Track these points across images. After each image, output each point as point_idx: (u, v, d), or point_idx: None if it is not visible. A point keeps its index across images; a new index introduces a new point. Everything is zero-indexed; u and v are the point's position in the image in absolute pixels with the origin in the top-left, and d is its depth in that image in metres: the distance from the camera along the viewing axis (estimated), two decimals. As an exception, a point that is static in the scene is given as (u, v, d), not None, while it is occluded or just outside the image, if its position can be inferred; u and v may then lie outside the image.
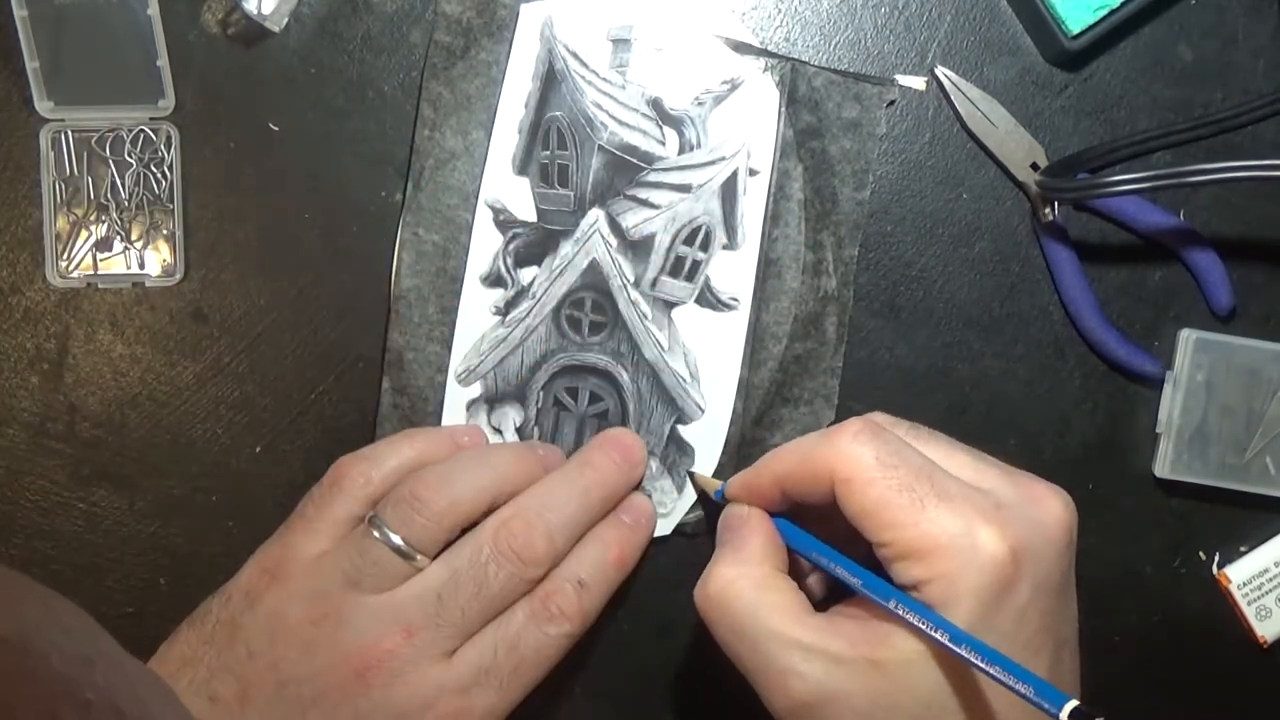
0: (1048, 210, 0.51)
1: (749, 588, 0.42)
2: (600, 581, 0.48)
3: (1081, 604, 0.53)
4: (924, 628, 0.38)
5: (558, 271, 0.51)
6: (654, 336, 0.51)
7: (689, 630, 0.52)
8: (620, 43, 0.51)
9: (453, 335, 0.51)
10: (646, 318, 0.51)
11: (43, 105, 0.50)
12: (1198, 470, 0.52)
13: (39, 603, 0.33)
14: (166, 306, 0.52)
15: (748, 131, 0.51)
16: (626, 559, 0.49)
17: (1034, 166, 0.51)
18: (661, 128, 0.51)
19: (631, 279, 0.51)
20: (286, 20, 0.51)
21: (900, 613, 0.39)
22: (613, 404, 0.52)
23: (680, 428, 0.52)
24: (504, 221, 0.51)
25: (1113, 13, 0.50)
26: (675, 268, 0.51)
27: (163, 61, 0.50)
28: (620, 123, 0.51)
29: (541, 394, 0.52)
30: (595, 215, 0.51)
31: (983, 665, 0.37)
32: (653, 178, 0.51)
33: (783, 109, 0.51)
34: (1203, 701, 0.54)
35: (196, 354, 0.52)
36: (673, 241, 0.51)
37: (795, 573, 0.45)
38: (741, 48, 0.51)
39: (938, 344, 0.52)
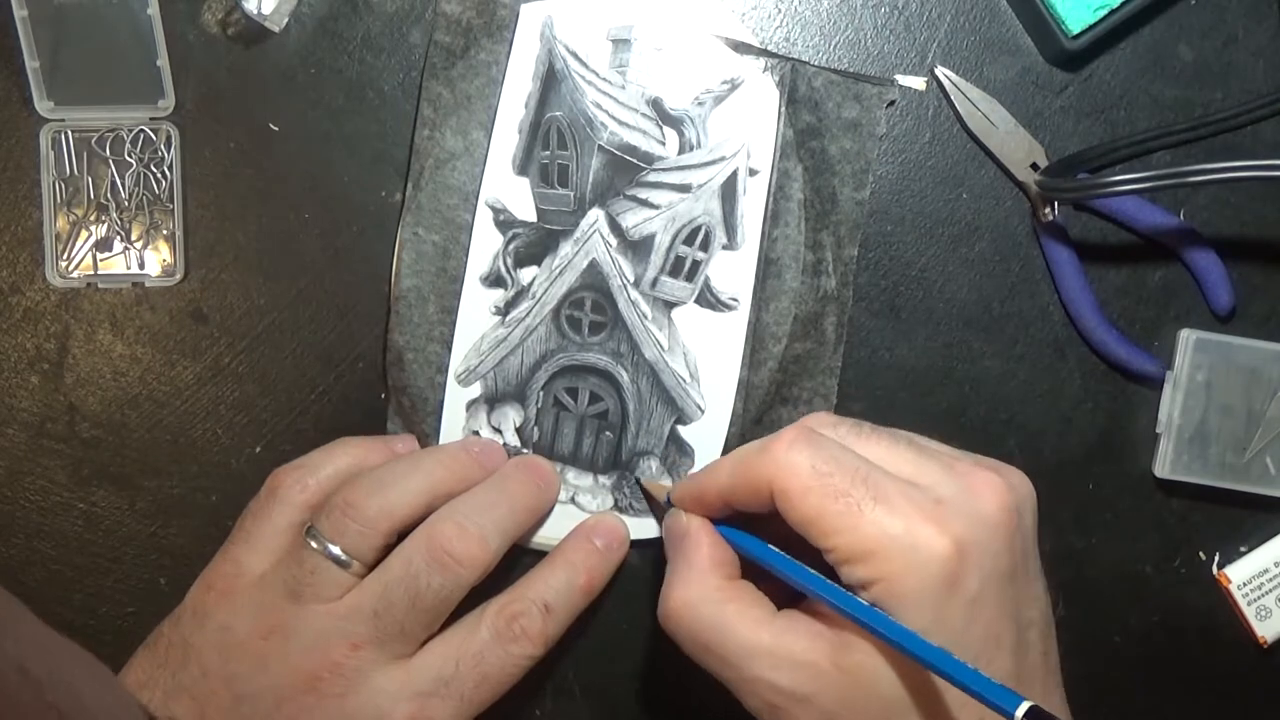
0: (1048, 210, 0.51)
1: (705, 602, 0.43)
2: (566, 607, 0.48)
3: (1082, 604, 0.53)
4: (874, 630, 0.39)
5: (558, 271, 0.51)
6: (654, 336, 0.51)
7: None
8: (620, 43, 0.51)
9: (453, 335, 0.51)
10: (646, 318, 0.51)
11: (43, 105, 0.50)
12: (1198, 470, 0.52)
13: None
14: (166, 306, 0.52)
15: (748, 131, 0.51)
16: (595, 585, 0.49)
17: (1034, 166, 0.51)
18: (661, 128, 0.51)
19: (631, 279, 0.51)
20: (286, 20, 0.51)
21: (851, 617, 0.39)
22: (612, 404, 0.52)
23: (680, 428, 0.52)
24: (504, 221, 0.51)
25: (1113, 13, 0.50)
26: (675, 268, 0.51)
27: (163, 61, 0.50)
28: (620, 123, 0.51)
29: (541, 394, 0.52)
30: (595, 215, 0.51)
31: (935, 668, 0.37)
32: (652, 178, 0.51)
33: (783, 109, 0.51)
34: (1203, 701, 0.54)
35: (196, 354, 0.52)
36: (673, 241, 0.51)
37: (754, 571, 0.45)
38: (741, 48, 0.51)
39: (938, 344, 0.52)
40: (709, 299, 0.51)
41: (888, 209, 0.52)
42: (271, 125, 0.51)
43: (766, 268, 0.51)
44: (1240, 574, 0.53)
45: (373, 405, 0.52)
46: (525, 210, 0.51)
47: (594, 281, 0.51)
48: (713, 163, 0.51)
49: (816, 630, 0.41)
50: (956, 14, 0.52)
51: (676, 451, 0.52)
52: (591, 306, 0.51)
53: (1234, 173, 0.46)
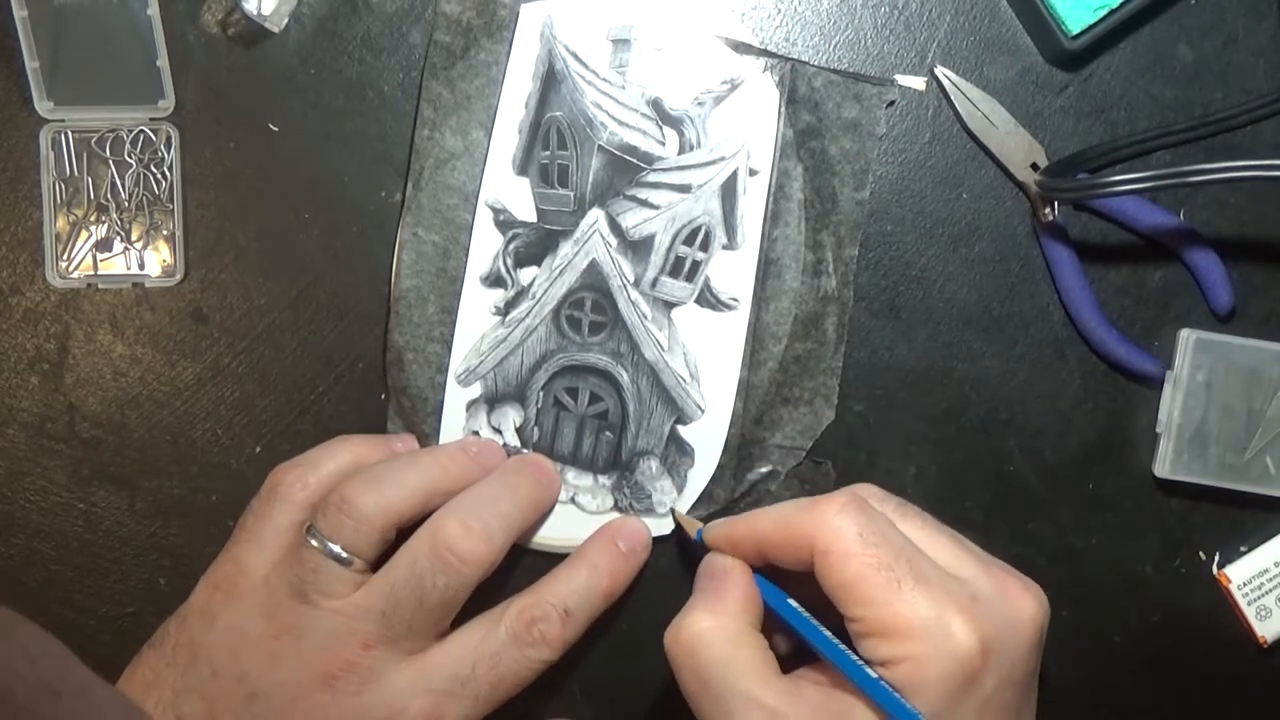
0: (1048, 210, 0.51)
1: (722, 641, 0.43)
2: (585, 611, 0.48)
3: (1082, 604, 0.53)
4: (883, 707, 0.39)
5: (558, 272, 0.51)
6: (654, 336, 0.51)
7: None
8: (620, 43, 0.51)
9: (453, 335, 0.51)
10: (646, 318, 0.51)
11: (43, 105, 0.50)
12: (1198, 470, 0.52)
13: (3, 632, 0.33)
14: (166, 306, 0.52)
15: (748, 131, 0.51)
16: (616, 589, 0.49)
17: (1034, 166, 0.51)
18: (661, 128, 0.51)
19: (631, 279, 0.51)
20: (286, 20, 0.51)
21: (867, 693, 0.40)
22: (612, 404, 0.52)
23: (680, 428, 0.52)
24: (504, 221, 0.51)
25: (1113, 13, 0.50)
26: (675, 268, 0.51)
27: (163, 61, 0.50)
28: (620, 123, 0.51)
29: (541, 394, 0.52)
30: (595, 215, 0.51)
31: None
32: (652, 178, 0.51)
33: (783, 109, 0.51)
34: (1203, 701, 0.54)
35: (196, 354, 0.52)
36: (673, 241, 0.51)
37: (764, 626, 0.45)
38: (741, 48, 0.51)
39: (938, 344, 0.52)
40: (709, 299, 0.51)
41: (888, 209, 0.52)
42: (271, 125, 0.51)
43: (766, 268, 0.51)
44: (1240, 574, 0.53)
45: (373, 405, 0.52)
46: (525, 210, 0.51)
47: (594, 281, 0.51)
48: (713, 163, 0.51)
49: (819, 697, 0.41)
50: (956, 14, 0.52)
51: (676, 451, 0.52)
52: (591, 306, 0.51)
53: (1234, 173, 0.46)
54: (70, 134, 0.51)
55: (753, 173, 0.51)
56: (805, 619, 0.43)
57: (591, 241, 0.51)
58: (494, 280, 0.51)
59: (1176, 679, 0.54)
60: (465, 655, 0.46)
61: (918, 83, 0.52)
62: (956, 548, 0.43)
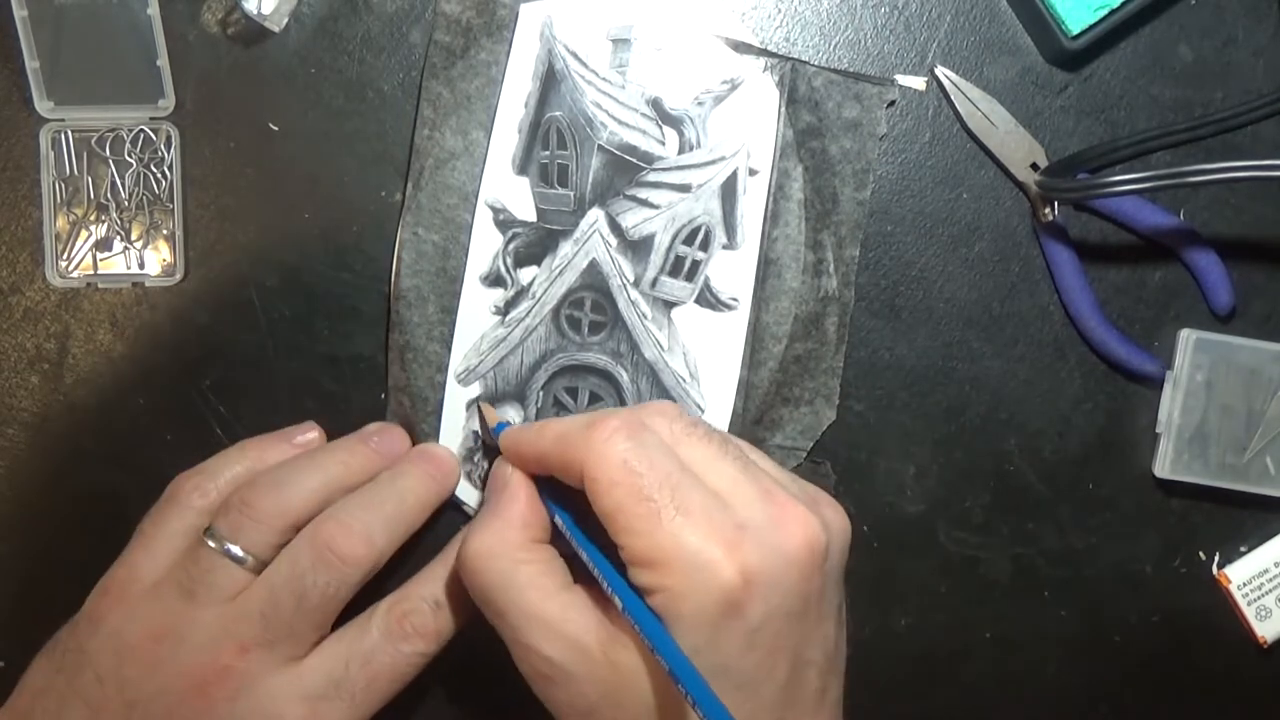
0: (1048, 210, 0.51)
1: (501, 558, 0.42)
2: (459, 603, 0.47)
3: (1082, 604, 0.53)
4: (641, 631, 0.38)
5: (557, 271, 0.51)
6: (654, 336, 0.51)
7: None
8: (620, 42, 0.51)
9: (453, 335, 0.51)
10: (646, 317, 0.51)
11: (43, 105, 0.50)
12: (1198, 470, 0.52)
13: None
14: (166, 306, 0.52)
15: (748, 131, 0.51)
16: None
17: (1034, 166, 0.51)
18: (661, 127, 0.51)
19: (631, 279, 0.51)
20: (286, 20, 0.51)
21: (628, 618, 0.39)
22: (612, 404, 0.52)
23: (680, 428, 0.51)
24: (504, 221, 0.51)
25: (1113, 13, 0.50)
26: (675, 267, 0.51)
27: (163, 61, 0.50)
28: (620, 122, 0.51)
29: (541, 394, 0.52)
30: (595, 215, 0.51)
31: (677, 680, 0.37)
32: (652, 178, 0.51)
33: (783, 109, 0.51)
34: (1203, 701, 0.54)
35: (196, 354, 0.52)
36: (672, 241, 0.51)
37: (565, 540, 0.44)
38: (741, 48, 0.51)
39: (938, 344, 0.52)
40: (709, 299, 0.51)
41: (888, 209, 0.52)
42: (271, 125, 0.51)
43: (766, 268, 0.51)
44: (1240, 574, 0.53)
45: (373, 405, 0.52)
46: (525, 210, 0.51)
47: (594, 281, 0.51)
48: (713, 162, 0.51)
49: (598, 616, 0.41)
50: (956, 14, 0.52)
51: (676, 451, 0.51)
52: (591, 306, 0.51)
53: (1234, 173, 0.46)
54: (70, 134, 0.51)
55: (753, 172, 0.51)
56: (580, 537, 0.42)
57: (591, 241, 0.51)
58: (494, 280, 0.51)
59: (1176, 679, 0.54)
60: (339, 656, 0.46)
61: (918, 83, 0.52)
62: (738, 472, 0.41)
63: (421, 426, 0.51)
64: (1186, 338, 0.51)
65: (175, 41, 0.50)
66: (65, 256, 0.51)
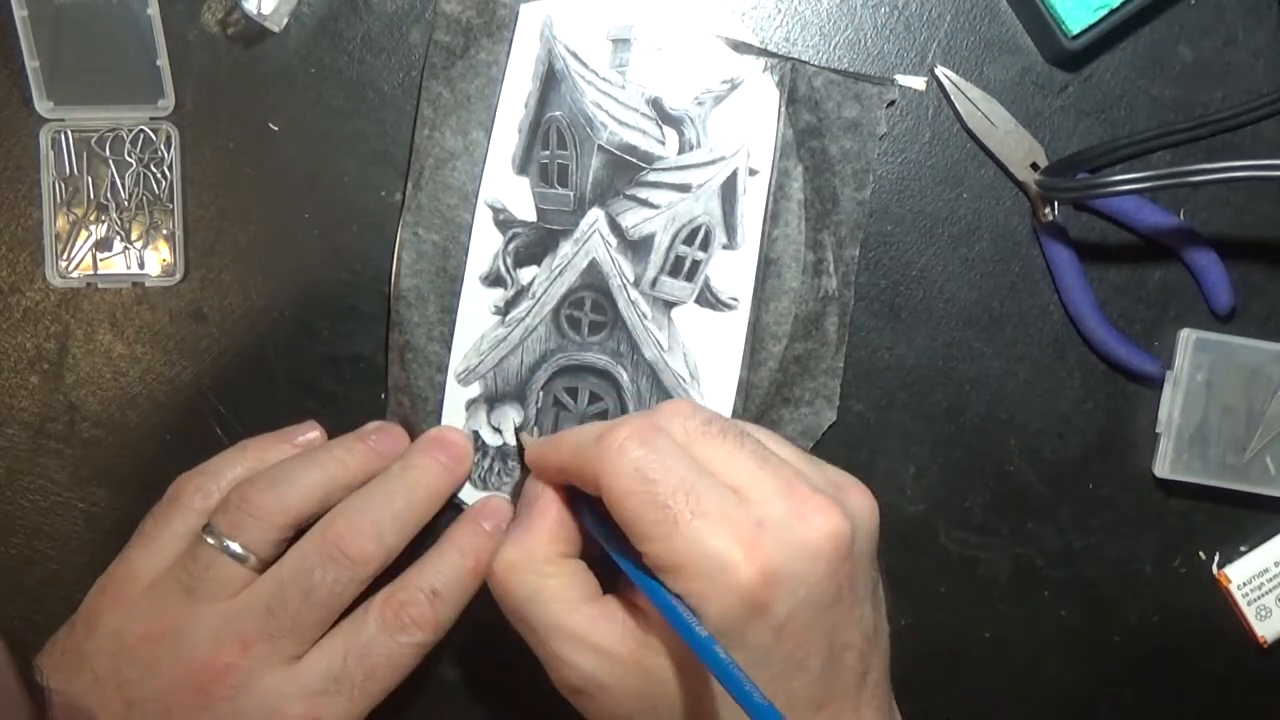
0: (1048, 210, 0.51)
1: (529, 572, 0.43)
2: (455, 591, 0.47)
3: (1082, 604, 0.53)
4: (674, 626, 0.38)
5: (557, 271, 0.51)
6: (654, 336, 0.51)
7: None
8: (620, 42, 0.51)
9: (453, 335, 0.51)
10: (646, 317, 0.51)
11: (43, 105, 0.50)
12: (1198, 470, 0.52)
13: None
14: (166, 306, 0.52)
15: (747, 131, 0.51)
16: (483, 567, 0.48)
17: (1034, 166, 0.51)
18: (661, 127, 0.51)
19: (631, 279, 0.51)
20: (286, 20, 0.51)
21: (660, 610, 0.39)
22: (612, 404, 0.52)
23: (680, 428, 0.51)
24: (504, 221, 0.51)
25: (1113, 13, 0.50)
26: (675, 267, 0.51)
27: (163, 61, 0.50)
28: (620, 122, 0.51)
29: (541, 394, 0.52)
30: (595, 215, 0.51)
31: (715, 670, 0.37)
32: (652, 177, 0.51)
33: (783, 109, 0.51)
34: (1203, 701, 0.54)
35: (196, 354, 0.52)
36: (672, 241, 0.51)
37: (598, 550, 0.44)
38: (741, 47, 0.51)
39: (938, 344, 0.52)
40: (709, 299, 0.51)
41: (888, 209, 0.52)
42: (271, 125, 0.51)
43: (766, 268, 0.51)
44: (1240, 574, 0.53)
45: (373, 405, 0.52)
46: (525, 210, 0.51)
47: (594, 281, 0.51)
48: (713, 162, 0.51)
49: (627, 623, 0.41)
50: (956, 14, 0.52)
51: (676, 451, 0.51)
52: (591, 306, 0.51)
53: (1234, 173, 0.46)
54: (70, 134, 0.51)
55: (753, 172, 0.51)
56: (609, 538, 0.42)
57: (591, 241, 0.51)
58: (494, 280, 0.51)
59: (1176, 679, 0.54)
60: (337, 650, 0.46)
61: (918, 83, 0.52)
62: (756, 466, 0.41)
63: (421, 426, 0.51)
64: (1186, 338, 0.51)
65: (175, 41, 0.50)
66: (65, 256, 0.51)
